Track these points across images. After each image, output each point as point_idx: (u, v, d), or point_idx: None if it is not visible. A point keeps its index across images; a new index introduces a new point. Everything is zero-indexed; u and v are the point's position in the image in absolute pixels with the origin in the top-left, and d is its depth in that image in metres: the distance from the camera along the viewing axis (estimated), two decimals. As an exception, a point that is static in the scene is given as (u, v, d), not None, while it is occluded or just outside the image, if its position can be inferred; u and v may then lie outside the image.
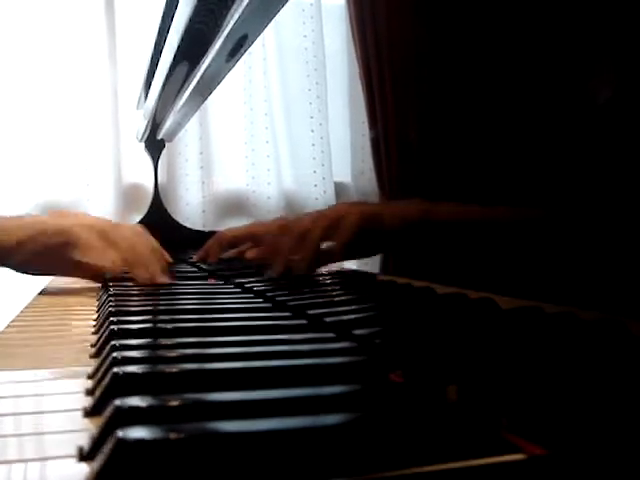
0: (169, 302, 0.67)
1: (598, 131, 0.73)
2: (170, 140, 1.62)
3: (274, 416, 0.26)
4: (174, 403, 0.28)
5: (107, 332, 0.45)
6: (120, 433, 0.23)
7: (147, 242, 0.89)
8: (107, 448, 0.23)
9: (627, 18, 0.66)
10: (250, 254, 1.09)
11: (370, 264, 1.10)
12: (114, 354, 0.36)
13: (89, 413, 0.31)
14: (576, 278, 0.66)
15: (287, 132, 1.94)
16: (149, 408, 0.27)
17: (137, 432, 0.23)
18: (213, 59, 0.86)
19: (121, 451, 0.22)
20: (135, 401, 0.28)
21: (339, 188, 2.02)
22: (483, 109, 0.97)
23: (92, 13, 1.76)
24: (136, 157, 1.76)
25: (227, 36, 0.77)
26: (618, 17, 0.68)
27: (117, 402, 0.27)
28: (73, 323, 0.63)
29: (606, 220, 0.69)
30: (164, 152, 1.63)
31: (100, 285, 0.84)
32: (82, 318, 0.64)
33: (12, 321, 0.63)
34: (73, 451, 0.26)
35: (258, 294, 0.65)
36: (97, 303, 0.72)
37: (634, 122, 0.67)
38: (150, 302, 0.67)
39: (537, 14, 0.83)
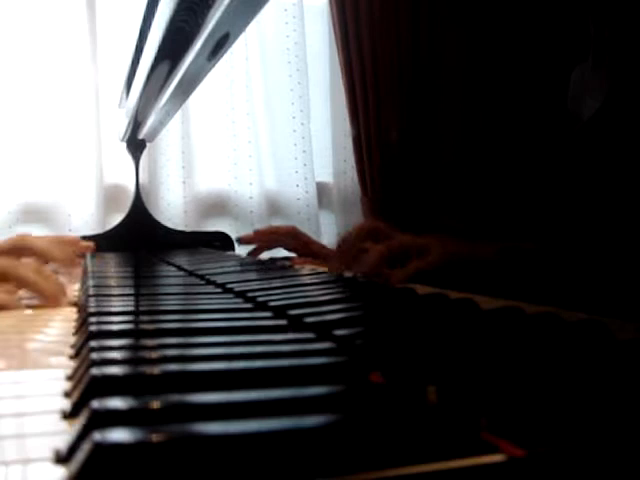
0: (150, 303, 0.66)
1: (573, 134, 0.73)
2: (152, 140, 1.61)
3: (256, 417, 0.26)
4: (154, 405, 0.27)
5: (86, 333, 0.45)
6: (97, 436, 0.22)
7: None
8: (83, 451, 0.22)
9: (614, 35, 0.66)
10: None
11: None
12: (92, 355, 0.36)
13: (67, 415, 0.31)
14: (559, 278, 0.67)
15: (269, 132, 1.94)
16: (127, 410, 0.27)
17: (115, 434, 0.23)
18: (194, 58, 0.85)
19: (97, 454, 0.22)
20: (113, 403, 0.27)
21: (321, 188, 2.02)
22: (465, 108, 0.97)
23: (73, 12, 1.75)
24: (117, 157, 1.75)
25: (209, 35, 0.77)
26: (603, 35, 0.68)
27: (95, 404, 0.27)
28: (53, 324, 0.62)
29: (589, 223, 0.69)
30: (146, 152, 1.62)
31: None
32: (63, 319, 0.64)
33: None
34: (50, 454, 0.26)
35: (239, 294, 0.65)
36: (78, 304, 0.71)
37: (615, 135, 0.67)
38: (130, 303, 0.67)
39: (522, 20, 0.84)
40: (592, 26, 0.70)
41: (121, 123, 1.57)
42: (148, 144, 1.61)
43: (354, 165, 1.62)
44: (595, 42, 0.70)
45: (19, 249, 0.79)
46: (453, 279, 0.74)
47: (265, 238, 1.31)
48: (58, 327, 0.60)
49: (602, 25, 0.69)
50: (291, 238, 1.27)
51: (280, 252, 1.32)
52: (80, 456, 0.23)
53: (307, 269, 0.89)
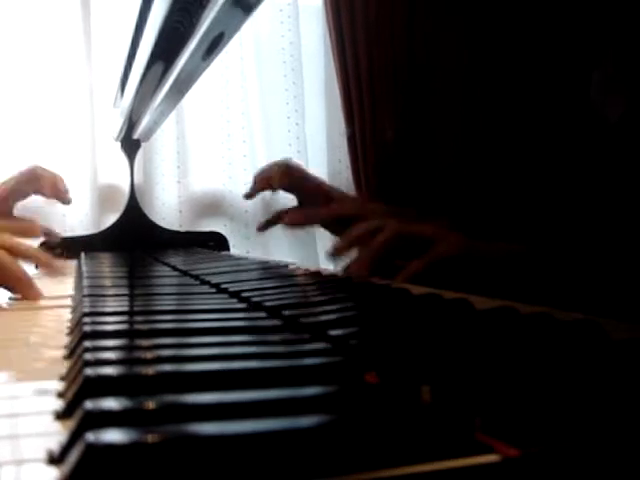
0: (144, 303, 0.66)
1: (589, 134, 0.73)
2: (146, 140, 1.61)
3: (251, 418, 0.26)
4: (148, 405, 0.27)
5: (80, 333, 0.45)
6: (90, 437, 0.22)
7: None
8: (76, 452, 0.22)
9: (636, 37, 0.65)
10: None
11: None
12: (86, 355, 0.36)
13: (60, 416, 0.31)
14: (555, 279, 0.67)
15: (264, 132, 1.94)
16: (121, 411, 0.27)
17: (108, 435, 0.23)
18: (189, 57, 0.85)
19: (90, 455, 0.22)
20: (107, 403, 0.27)
21: (316, 188, 2.01)
22: (461, 108, 0.97)
23: (68, 11, 1.75)
24: (112, 157, 1.74)
25: (203, 34, 0.77)
26: (627, 37, 0.67)
27: (88, 404, 0.27)
28: (47, 324, 0.62)
29: (585, 224, 0.69)
30: (140, 152, 1.62)
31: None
32: (56, 320, 0.64)
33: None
34: (42, 455, 0.25)
35: (233, 295, 0.65)
36: (72, 305, 0.71)
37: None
38: (125, 303, 0.66)
39: (520, 20, 0.84)
40: (600, 26, 0.69)
41: (115, 123, 1.57)
42: (143, 144, 1.61)
43: (349, 165, 1.62)
44: (613, 43, 0.69)
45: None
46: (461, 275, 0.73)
47: (264, 185, 1.20)
48: (51, 327, 0.60)
49: (617, 25, 0.68)
50: (285, 176, 1.19)
51: (276, 249, 1.31)
52: (73, 457, 0.23)
53: (303, 269, 0.89)
